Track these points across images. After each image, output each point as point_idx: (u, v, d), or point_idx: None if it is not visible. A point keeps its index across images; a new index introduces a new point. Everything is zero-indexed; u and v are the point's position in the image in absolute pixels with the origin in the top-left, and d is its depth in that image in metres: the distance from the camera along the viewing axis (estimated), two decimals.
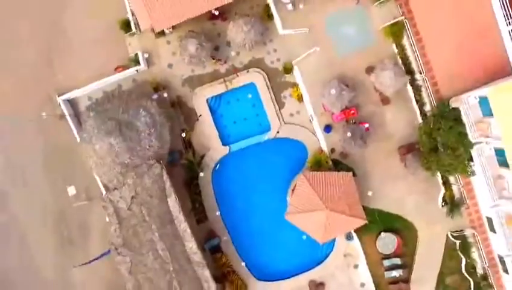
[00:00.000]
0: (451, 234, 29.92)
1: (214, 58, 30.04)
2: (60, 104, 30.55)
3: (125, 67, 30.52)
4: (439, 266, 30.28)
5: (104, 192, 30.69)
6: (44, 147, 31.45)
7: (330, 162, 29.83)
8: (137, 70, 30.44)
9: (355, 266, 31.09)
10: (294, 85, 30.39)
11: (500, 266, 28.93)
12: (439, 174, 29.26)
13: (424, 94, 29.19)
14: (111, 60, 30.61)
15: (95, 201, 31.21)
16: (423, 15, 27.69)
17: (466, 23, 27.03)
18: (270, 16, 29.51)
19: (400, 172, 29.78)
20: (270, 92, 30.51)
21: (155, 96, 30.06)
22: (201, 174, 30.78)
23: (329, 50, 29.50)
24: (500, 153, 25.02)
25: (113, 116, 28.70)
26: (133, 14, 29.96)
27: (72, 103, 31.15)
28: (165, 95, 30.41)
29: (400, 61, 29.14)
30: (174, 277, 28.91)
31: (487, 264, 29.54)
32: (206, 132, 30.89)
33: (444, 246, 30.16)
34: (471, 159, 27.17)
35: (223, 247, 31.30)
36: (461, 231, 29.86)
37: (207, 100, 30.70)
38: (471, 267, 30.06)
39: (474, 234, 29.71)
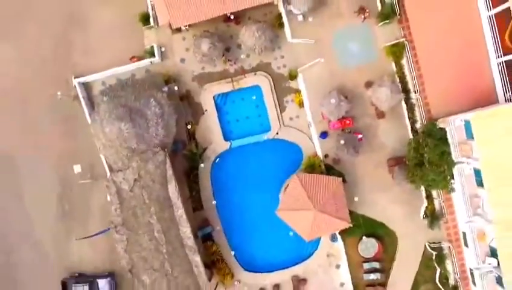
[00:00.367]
0: (429, 245, 33.18)
1: (223, 55, 33.03)
2: (75, 86, 33.74)
3: (140, 58, 33.68)
4: (415, 274, 33.48)
5: (108, 173, 33.95)
6: (56, 124, 34.60)
7: (323, 167, 33.08)
8: (151, 62, 33.59)
9: (337, 266, 34.40)
10: (297, 91, 33.65)
11: (470, 279, 32.37)
12: (423, 188, 32.59)
13: (416, 112, 32.50)
14: (127, 50, 33.75)
15: (98, 181, 34.48)
16: (422, 40, 31.13)
17: (460, 53, 30.44)
18: (281, 25, 32.77)
19: (386, 182, 33.03)
20: (273, 96, 33.74)
21: (166, 88, 33.14)
22: (202, 165, 34.02)
23: (332, 62, 32.78)
24: (478, 173, 28.35)
25: (125, 103, 31.82)
26: (153, 9, 33.15)
27: (86, 87, 34.30)
28: (175, 88, 33.57)
29: (397, 79, 32.38)
30: (166, 258, 32.07)
31: (459, 276, 32.91)
32: (210, 126, 34.12)
33: (421, 256, 33.36)
34: (452, 176, 30.56)
35: (214, 236, 34.56)
36: (438, 243, 33.14)
37: (214, 97, 33.93)
38: (444, 278, 33.36)
39: (449, 247, 33.09)
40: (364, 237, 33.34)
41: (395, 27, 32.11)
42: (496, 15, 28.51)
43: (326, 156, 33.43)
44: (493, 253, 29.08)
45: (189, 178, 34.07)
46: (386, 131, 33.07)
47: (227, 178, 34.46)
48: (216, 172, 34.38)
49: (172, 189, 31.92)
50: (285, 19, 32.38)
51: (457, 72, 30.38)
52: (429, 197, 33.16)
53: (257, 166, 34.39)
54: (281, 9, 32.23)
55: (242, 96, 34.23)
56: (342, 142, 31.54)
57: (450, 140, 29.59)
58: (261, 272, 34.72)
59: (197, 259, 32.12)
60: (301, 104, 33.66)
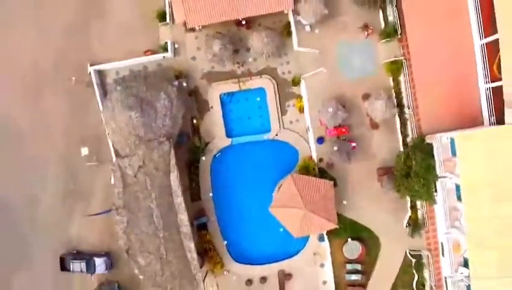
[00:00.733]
0: (410, 252, 36.71)
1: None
2: (90, 73, 37.21)
3: (153, 52, 37.15)
4: (394, 278, 37.05)
5: (114, 157, 37.37)
6: (68, 107, 38.05)
7: (317, 170, 36.61)
8: (164, 57, 37.05)
9: (322, 265, 37.95)
10: (299, 97, 37.19)
11: (445, 287, 35.99)
12: (408, 198, 36.18)
13: (408, 127, 36.01)
14: (142, 43, 37.28)
15: (104, 164, 37.97)
16: (418, 60, 34.75)
17: (453, 75, 34.01)
18: (289, 33, 36.27)
19: (375, 190, 36.54)
20: (276, 99, 37.29)
21: (176, 82, 36.51)
22: (203, 158, 37.56)
23: (334, 73, 36.33)
24: (458, 188, 31.95)
25: (137, 94, 35.39)
26: (170, 8, 36.59)
27: (100, 74, 37.73)
28: (185, 83, 37.05)
29: (393, 94, 35.90)
30: (162, 243, 35.53)
31: (434, 283, 36.53)
32: (214, 122, 37.64)
33: (401, 262, 36.88)
34: (436, 189, 34.16)
35: (209, 226, 38.12)
36: (418, 251, 36.68)
37: (220, 95, 37.47)
38: (421, 284, 36.93)
39: (428, 255, 36.67)
40: (349, 240, 36.90)
41: (395, 45, 35.64)
42: (487, 44, 32.13)
43: (320, 160, 36.93)
44: (465, 263, 32.71)
45: (190, 169, 37.57)
46: (378, 142, 36.61)
47: (226, 173, 38.03)
48: (216, 166, 37.92)
49: (174, 178, 35.30)
50: (293, 28, 35.89)
51: (448, 93, 34.01)
52: (414, 207, 36.69)
53: (255, 164, 38.00)
54: (291, 19, 35.75)
55: (247, 96, 37.76)
56: (336, 148, 35.10)
57: (435, 155, 33.17)
58: (250, 264, 38.32)
59: (191, 245, 35.48)
60: (301, 110, 37.16)
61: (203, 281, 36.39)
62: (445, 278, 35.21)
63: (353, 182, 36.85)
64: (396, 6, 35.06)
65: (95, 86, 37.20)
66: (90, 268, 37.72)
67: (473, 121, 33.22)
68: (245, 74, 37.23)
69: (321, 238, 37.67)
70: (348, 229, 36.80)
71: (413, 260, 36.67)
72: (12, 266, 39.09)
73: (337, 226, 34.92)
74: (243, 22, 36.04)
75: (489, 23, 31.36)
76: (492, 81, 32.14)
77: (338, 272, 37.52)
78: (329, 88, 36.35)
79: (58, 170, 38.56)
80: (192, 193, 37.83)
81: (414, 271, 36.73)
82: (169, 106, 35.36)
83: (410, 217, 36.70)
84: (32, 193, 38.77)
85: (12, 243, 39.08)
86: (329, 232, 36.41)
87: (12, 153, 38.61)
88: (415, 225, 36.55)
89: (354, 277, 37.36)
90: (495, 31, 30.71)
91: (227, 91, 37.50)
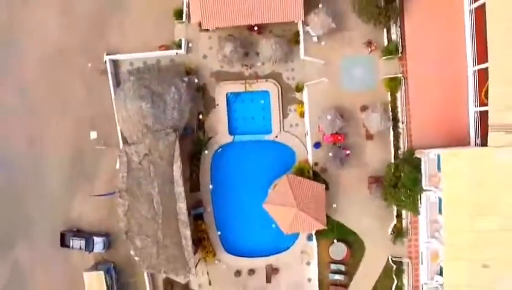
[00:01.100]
0: (392, 259, 40.25)
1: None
2: (105, 62, 40.65)
3: (167, 47, 40.49)
4: (375, 282, 40.64)
5: (121, 144, 40.87)
6: (82, 92, 41.47)
7: (311, 173, 40.03)
8: (177, 53, 40.35)
9: (308, 263, 41.50)
10: (300, 103, 40.64)
11: None
12: (394, 207, 39.86)
13: (400, 140, 39.54)
14: (157, 38, 40.61)
15: (111, 149, 41.39)
16: (415, 79, 38.50)
17: (445, 97, 37.75)
18: (296, 42, 39.74)
19: (364, 197, 39.96)
20: (279, 102, 40.68)
21: (186, 78, 39.79)
22: (205, 152, 41.02)
23: (336, 83, 39.80)
24: (440, 202, 35.68)
25: (148, 85, 38.79)
26: (187, 7, 40.02)
27: (115, 64, 41.13)
28: (195, 80, 40.39)
29: (389, 108, 39.27)
30: (160, 228, 38.90)
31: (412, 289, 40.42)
32: (219, 119, 41.05)
33: (383, 266, 40.32)
34: (421, 201, 37.85)
35: (205, 216, 41.51)
36: (400, 257, 40.32)
37: (227, 94, 40.87)
38: (399, 289, 40.79)
39: (408, 263, 40.39)
40: (336, 241, 40.41)
41: (396, 63, 39.15)
42: (479, 71, 35.88)
43: (316, 164, 40.43)
44: (441, 272, 36.45)
45: (192, 161, 41.01)
46: (371, 151, 40.11)
47: (226, 167, 41.53)
48: (217, 160, 41.43)
49: (177, 168, 38.56)
50: (301, 38, 39.36)
51: (439, 113, 37.82)
52: (399, 216, 40.24)
53: (254, 162, 41.50)
54: (300, 29, 39.33)
55: (252, 98, 41.28)
56: (330, 154, 38.76)
57: (423, 169, 36.85)
58: (240, 256, 41.82)
59: (187, 233, 38.85)
60: (302, 115, 40.68)
61: (195, 267, 39.88)
62: (422, 285, 38.97)
63: (344, 187, 40.30)
64: (399, 26, 38.71)
65: (109, 74, 40.58)
66: (89, 246, 41.03)
67: (461, 141, 36.91)
68: (252, 76, 40.62)
69: (309, 238, 41.23)
70: (335, 231, 40.17)
71: (394, 266, 40.10)
72: (14, 237, 42.56)
73: (326, 227, 38.36)
74: (255, 28, 39.53)
75: (483, 52, 34.81)
76: (481, 106, 35.88)
77: (322, 271, 40.93)
78: (330, 97, 39.74)
79: (66, 151, 41.89)
80: (192, 183, 41.18)
81: (394, 276, 40.20)
82: (178, 100, 38.76)
83: (395, 225, 40.16)
84: (39, 168, 42.13)
85: (16, 215, 42.55)
86: (317, 233, 39.93)
87: (25, 126, 42.01)
88: (398, 233, 40.09)
89: (337, 277, 40.84)
90: (487, 60, 34.44)
91: (233, 91, 40.92)
